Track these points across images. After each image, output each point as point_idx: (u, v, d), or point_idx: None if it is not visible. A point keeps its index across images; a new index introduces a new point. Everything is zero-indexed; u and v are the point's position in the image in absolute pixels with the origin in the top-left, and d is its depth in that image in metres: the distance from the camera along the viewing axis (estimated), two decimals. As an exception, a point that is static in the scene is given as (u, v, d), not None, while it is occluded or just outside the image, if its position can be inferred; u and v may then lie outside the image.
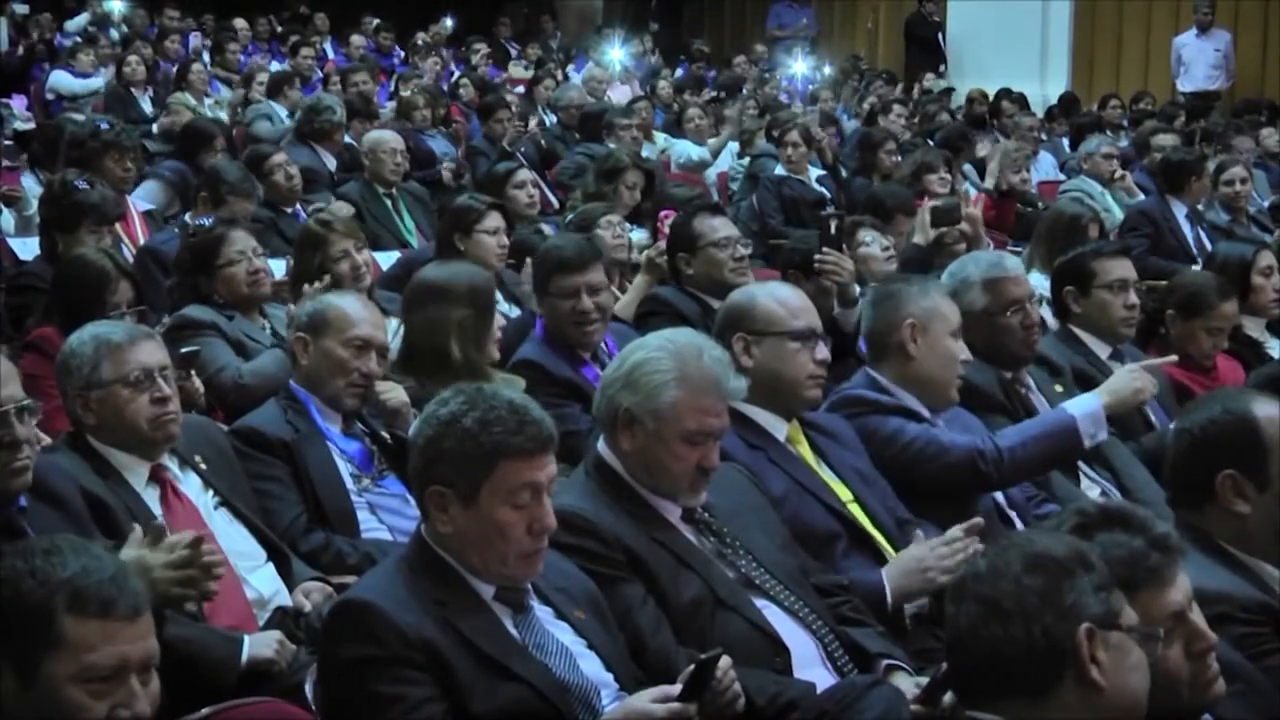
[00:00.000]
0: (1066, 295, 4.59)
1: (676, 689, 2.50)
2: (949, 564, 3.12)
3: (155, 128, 9.63)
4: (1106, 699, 2.05)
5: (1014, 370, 4.22)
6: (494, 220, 5.39)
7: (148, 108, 10.26)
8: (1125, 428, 4.39)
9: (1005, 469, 3.65)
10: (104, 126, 6.57)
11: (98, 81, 11.08)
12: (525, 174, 6.80)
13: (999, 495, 3.77)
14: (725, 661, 2.59)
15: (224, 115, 10.39)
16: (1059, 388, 4.33)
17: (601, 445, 3.08)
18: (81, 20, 13.51)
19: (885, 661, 3.04)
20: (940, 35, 15.53)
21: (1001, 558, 2.10)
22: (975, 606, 2.09)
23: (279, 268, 5.86)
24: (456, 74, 13.37)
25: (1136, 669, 2.09)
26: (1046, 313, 4.80)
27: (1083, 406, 3.74)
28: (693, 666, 2.51)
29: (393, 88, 11.91)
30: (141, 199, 6.79)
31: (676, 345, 3.04)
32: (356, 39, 14.64)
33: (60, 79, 11.40)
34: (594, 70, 13.02)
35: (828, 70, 15.12)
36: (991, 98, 12.70)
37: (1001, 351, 4.18)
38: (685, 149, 10.11)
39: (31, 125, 9.72)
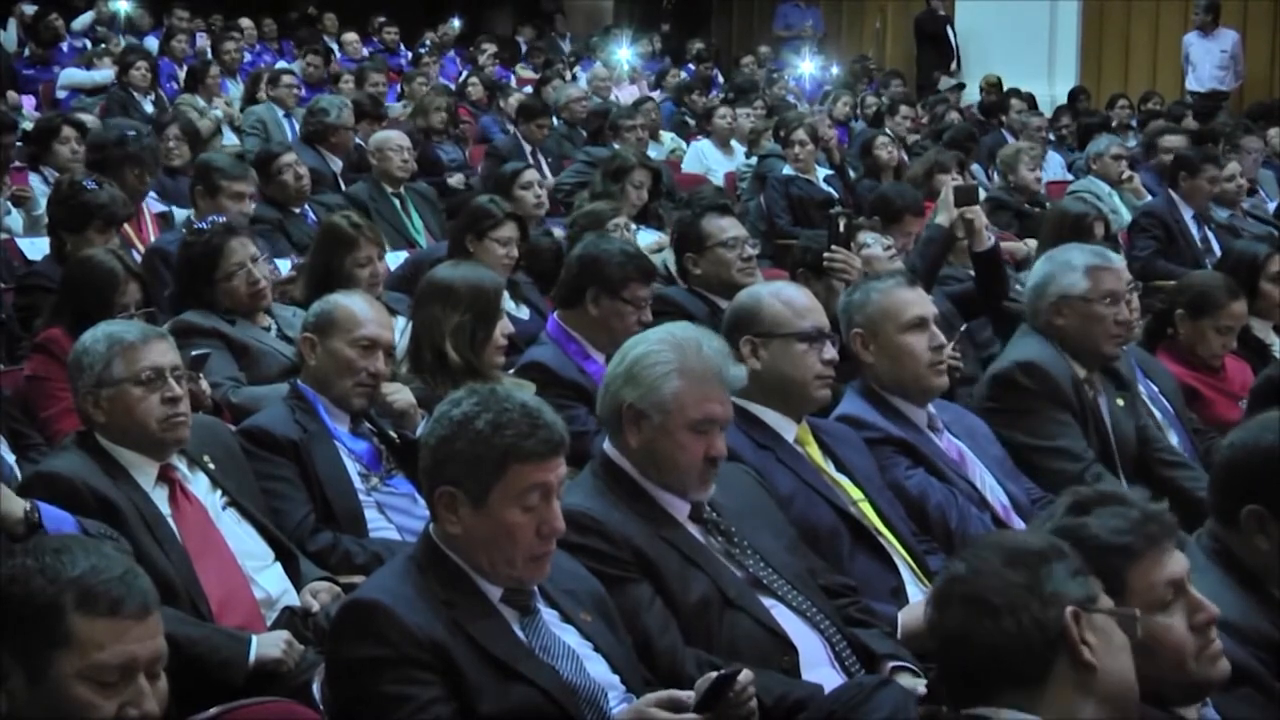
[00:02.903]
0: None
1: (685, 694, 2.51)
2: None
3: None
4: (1100, 679, 2.09)
5: (1091, 368, 4.17)
6: (508, 230, 5.35)
7: (150, 110, 10.25)
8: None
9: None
10: (130, 134, 6.40)
11: (107, 73, 11.11)
12: (532, 174, 6.81)
13: (1000, 501, 3.76)
14: (745, 676, 2.57)
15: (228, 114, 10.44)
16: (1120, 401, 4.28)
17: (607, 445, 3.08)
18: (87, 18, 13.52)
19: (892, 663, 3.04)
20: (950, 30, 15.52)
21: (980, 557, 2.15)
22: (962, 607, 2.12)
23: (287, 268, 5.87)
24: (464, 74, 13.39)
25: (1122, 650, 2.13)
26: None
27: None
28: (713, 678, 2.51)
29: (400, 88, 11.92)
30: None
31: (675, 338, 3.06)
32: (349, 36, 14.61)
33: (71, 73, 11.44)
34: (598, 70, 13.03)
35: (835, 70, 15.12)
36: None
37: (1088, 342, 4.13)
38: (704, 151, 10.13)
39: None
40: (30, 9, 13.00)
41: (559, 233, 6.51)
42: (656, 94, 12.78)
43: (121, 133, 6.45)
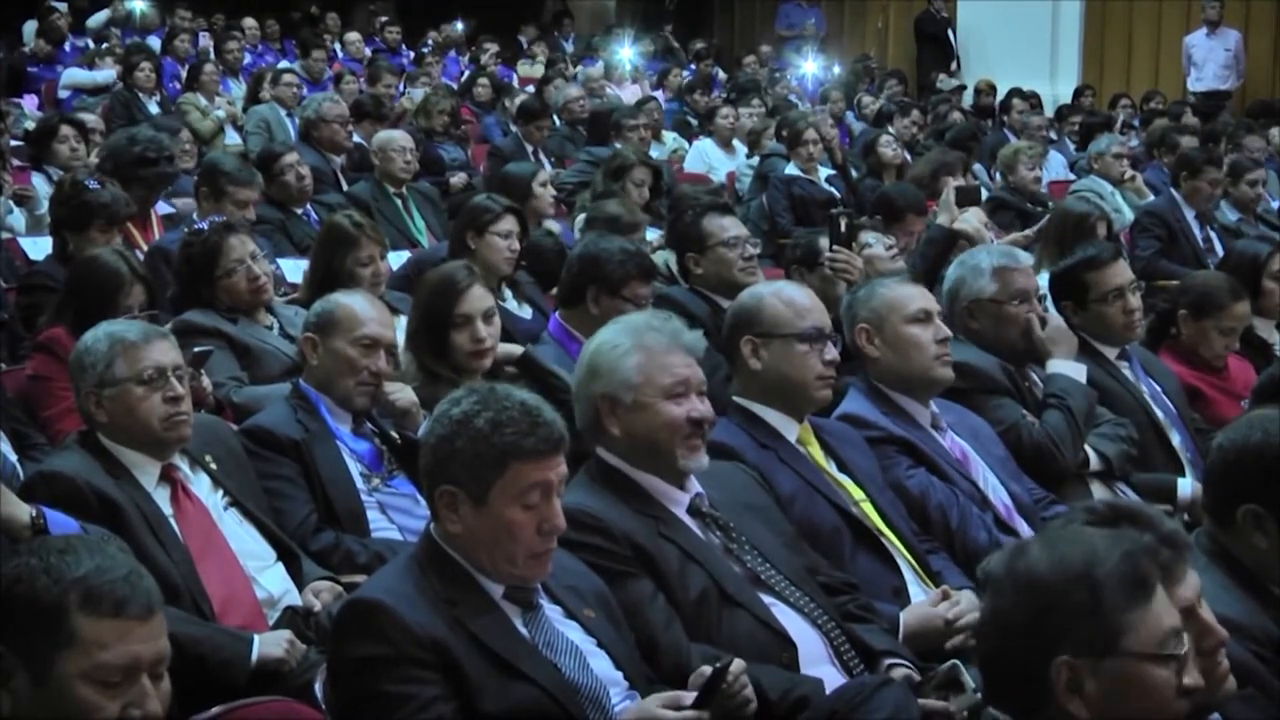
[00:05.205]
0: (1065, 308, 4.57)
1: (689, 696, 2.51)
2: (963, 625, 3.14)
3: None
4: None
5: (1016, 365, 4.23)
6: (508, 224, 5.35)
7: (154, 110, 10.26)
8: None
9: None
10: (150, 146, 6.20)
11: (109, 73, 11.13)
12: (547, 173, 6.83)
13: (1003, 501, 3.77)
14: (738, 666, 2.60)
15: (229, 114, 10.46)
16: None
17: (598, 449, 3.09)
18: (102, 17, 13.55)
19: (889, 660, 3.05)
20: (951, 32, 15.54)
21: (1013, 566, 2.07)
22: (984, 610, 2.11)
23: (288, 267, 5.87)
24: (467, 73, 13.39)
25: (1144, 694, 2.01)
26: (1053, 312, 4.77)
27: None
28: (707, 673, 2.52)
29: (403, 87, 11.93)
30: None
31: (623, 324, 3.13)
32: (351, 35, 14.63)
33: (73, 73, 11.47)
34: (591, 71, 13.03)
35: (836, 70, 15.13)
36: (1001, 97, 12.74)
37: (1004, 342, 4.20)
38: (706, 151, 10.13)
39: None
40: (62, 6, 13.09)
41: (557, 229, 6.52)
42: (659, 94, 12.79)
43: (145, 152, 6.18)
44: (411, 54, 14.72)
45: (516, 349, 4.30)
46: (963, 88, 14.12)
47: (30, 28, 12.99)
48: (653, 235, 6.52)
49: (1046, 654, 1.99)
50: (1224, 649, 2.29)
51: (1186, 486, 4.21)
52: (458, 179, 8.91)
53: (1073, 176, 9.87)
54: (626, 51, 14.46)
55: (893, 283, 3.87)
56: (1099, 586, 2.01)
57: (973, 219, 5.20)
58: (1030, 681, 2.01)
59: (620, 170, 7.07)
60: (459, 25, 16.05)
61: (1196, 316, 4.82)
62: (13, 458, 3.85)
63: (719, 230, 5.08)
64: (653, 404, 3.00)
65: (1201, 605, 2.29)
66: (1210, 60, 13.70)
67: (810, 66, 14.98)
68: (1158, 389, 4.55)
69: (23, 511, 3.00)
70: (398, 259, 6.14)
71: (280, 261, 5.85)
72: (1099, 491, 4.12)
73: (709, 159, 10.12)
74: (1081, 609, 2.00)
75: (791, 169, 8.55)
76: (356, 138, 8.59)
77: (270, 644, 3.12)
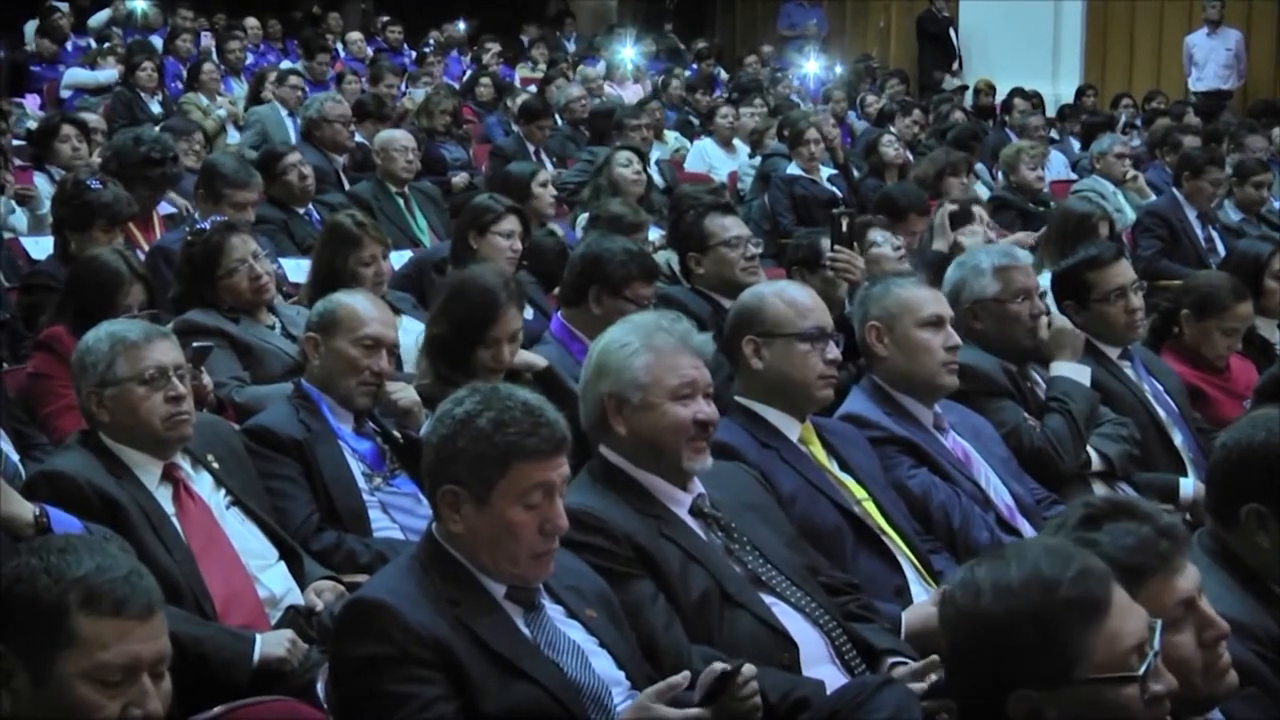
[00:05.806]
0: (1067, 308, 4.56)
1: (680, 677, 2.52)
2: None
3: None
4: None
5: (1019, 363, 4.23)
6: (510, 224, 5.35)
7: (156, 109, 10.27)
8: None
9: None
10: (155, 156, 6.14)
11: (111, 73, 11.14)
12: (547, 174, 6.83)
13: (1005, 501, 3.76)
14: (748, 670, 2.59)
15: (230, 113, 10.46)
16: None
17: (601, 448, 3.09)
18: (103, 16, 13.55)
19: (891, 659, 3.04)
20: (953, 31, 15.55)
21: (962, 598, 2.02)
22: (942, 638, 2.09)
23: (290, 267, 5.87)
24: (469, 72, 13.39)
25: (1108, 715, 1.98)
26: (1055, 311, 4.77)
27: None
28: (716, 672, 2.52)
29: (405, 87, 11.94)
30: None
31: (633, 323, 3.12)
32: (353, 35, 14.64)
33: (75, 73, 11.47)
34: (587, 71, 13.03)
35: (838, 69, 15.14)
36: (1003, 97, 12.75)
37: (1007, 341, 4.20)
38: (707, 150, 10.14)
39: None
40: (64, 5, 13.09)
41: (559, 230, 6.52)
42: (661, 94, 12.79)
43: (150, 152, 6.15)
44: (413, 54, 14.72)
45: (540, 360, 4.22)
46: (965, 87, 14.14)
47: (32, 27, 13.00)
48: (654, 235, 6.53)
49: (1003, 689, 1.97)
50: (1224, 641, 2.29)
51: (1189, 486, 4.21)
52: (459, 179, 8.92)
53: (1075, 176, 9.87)
54: (628, 51, 14.46)
55: (909, 284, 3.87)
56: (1046, 618, 1.96)
57: (975, 239, 5.20)
58: (993, 713, 1.99)
59: (604, 163, 7.13)
60: (461, 25, 16.07)
61: (1199, 316, 4.82)
62: (15, 457, 3.85)
63: (720, 230, 5.09)
64: (659, 405, 3.00)
65: (1201, 598, 2.28)
66: (1211, 60, 13.71)
67: (812, 66, 14.98)
68: (1160, 388, 4.55)
69: (26, 510, 3.00)
70: (400, 258, 6.14)
71: (282, 261, 5.85)
72: (1101, 491, 4.11)
73: (709, 159, 10.12)
74: (1030, 644, 1.96)
75: (793, 169, 8.55)
76: (358, 137, 8.59)
77: (272, 643, 3.12)
